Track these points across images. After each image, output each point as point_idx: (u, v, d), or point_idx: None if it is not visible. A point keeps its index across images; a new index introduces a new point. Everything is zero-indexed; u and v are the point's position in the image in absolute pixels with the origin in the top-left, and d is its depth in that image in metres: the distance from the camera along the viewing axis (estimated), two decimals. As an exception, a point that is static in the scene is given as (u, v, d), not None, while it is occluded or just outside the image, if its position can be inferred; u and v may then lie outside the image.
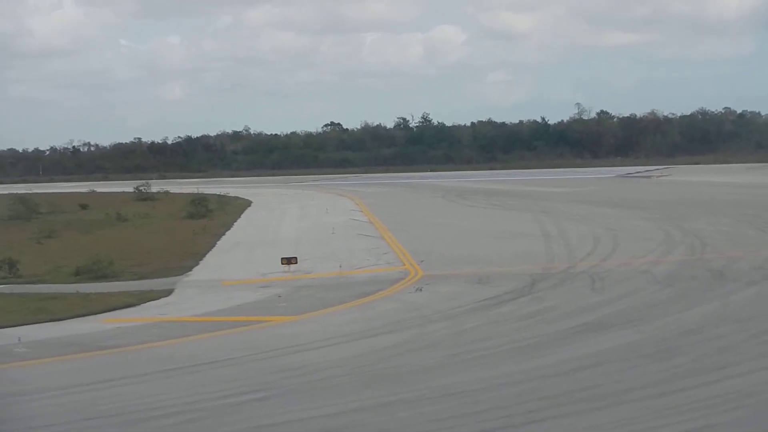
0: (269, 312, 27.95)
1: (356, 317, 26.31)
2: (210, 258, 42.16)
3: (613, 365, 18.99)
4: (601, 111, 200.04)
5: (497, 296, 28.30)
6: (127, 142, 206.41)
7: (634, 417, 15.25)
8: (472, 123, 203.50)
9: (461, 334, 23.02)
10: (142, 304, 30.22)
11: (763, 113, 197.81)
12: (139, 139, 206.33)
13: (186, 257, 41.80)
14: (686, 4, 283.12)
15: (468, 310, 26.41)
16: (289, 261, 36.37)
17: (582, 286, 29.73)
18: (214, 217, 65.86)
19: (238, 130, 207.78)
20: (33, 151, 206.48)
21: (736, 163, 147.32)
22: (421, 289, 30.40)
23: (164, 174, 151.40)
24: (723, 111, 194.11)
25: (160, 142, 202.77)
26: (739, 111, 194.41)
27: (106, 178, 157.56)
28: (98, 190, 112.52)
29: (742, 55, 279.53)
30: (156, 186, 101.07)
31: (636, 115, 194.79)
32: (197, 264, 39.76)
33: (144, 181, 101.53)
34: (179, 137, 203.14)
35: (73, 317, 28.22)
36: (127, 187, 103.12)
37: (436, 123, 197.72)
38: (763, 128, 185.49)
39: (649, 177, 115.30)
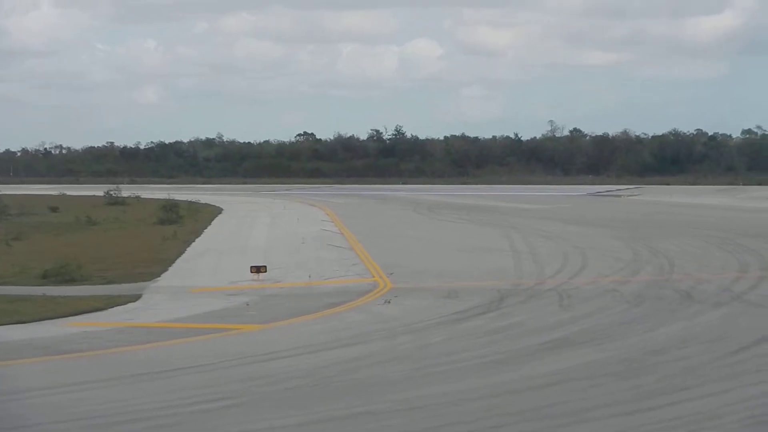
0: (237, 320, 27.94)
1: (324, 328, 26.33)
2: (179, 264, 42.09)
3: (578, 383, 19.10)
4: (574, 129, 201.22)
5: (465, 311, 28.38)
6: (100, 145, 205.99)
7: (597, 435, 15.36)
8: (445, 137, 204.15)
9: (428, 348, 23.09)
10: (110, 309, 30.14)
11: (734, 136, 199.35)
12: (112, 143, 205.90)
13: (155, 263, 41.69)
14: (663, 25, 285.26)
15: (435, 323, 26.49)
16: (258, 269, 36.36)
17: (550, 303, 29.86)
18: (184, 224, 65.69)
19: (211, 137, 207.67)
20: (4, 152, 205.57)
21: (706, 184, 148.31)
22: (389, 302, 30.46)
23: (135, 179, 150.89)
24: (695, 133, 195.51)
25: (133, 146, 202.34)
26: (710, 133, 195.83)
27: (77, 181, 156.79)
28: (69, 193, 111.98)
29: (715, 78, 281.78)
30: (127, 190, 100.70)
31: (609, 134, 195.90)
32: (166, 270, 39.66)
33: (115, 185, 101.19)
34: (152, 142, 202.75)
35: (39, 320, 28.11)
36: (98, 190, 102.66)
37: (409, 136, 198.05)
38: (733, 151, 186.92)
39: (619, 196, 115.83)
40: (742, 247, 46.15)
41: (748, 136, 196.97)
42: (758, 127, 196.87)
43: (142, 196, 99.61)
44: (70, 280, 35.77)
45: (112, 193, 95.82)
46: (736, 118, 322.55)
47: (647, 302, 29.62)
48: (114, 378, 20.33)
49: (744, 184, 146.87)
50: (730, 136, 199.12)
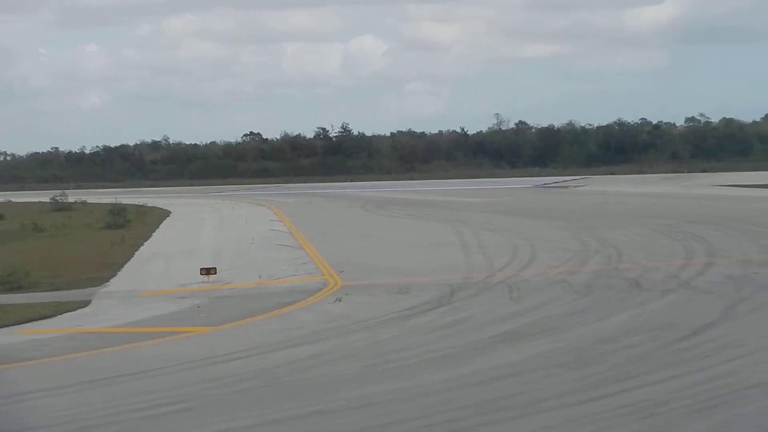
0: (188, 323, 27.82)
1: (275, 328, 26.28)
2: (128, 269, 41.82)
3: (529, 374, 19.22)
4: (520, 122, 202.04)
5: (416, 306, 28.45)
6: (44, 151, 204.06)
7: (551, 425, 15.47)
8: (392, 133, 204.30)
9: (379, 345, 23.12)
10: (59, 316, 29.88)
11: (677, 124, 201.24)
12: (57, 148, 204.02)
13: (104, 268, 41.39)
14: (604, 17, 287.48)
15: (387, 320, 26.53)
16: (208, 271, 36.20)
17: (500, 295, 30.00)
18: (132, 228, 65.27)
19: (156, 140, 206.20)
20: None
21: (651, 173, 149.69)
22: (340, 300, 30.47)
23: (81, 184, 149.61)
24: (639, 122, 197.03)
25: (78, 151, 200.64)
26: (654, 122, 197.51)
27: (22, 188, 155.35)
28: (14, 200, 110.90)
29: (657, 68, 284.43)
30: (73, 196, 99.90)
31: (554, 126, 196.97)
32: (115, 275, 39.39)
33: (61, 191, 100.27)
34: (97, 147, 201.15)
35: (-13, 329, 27.79)
36: (43, 197, 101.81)
37: (356, 133, 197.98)
38: (677, 139, 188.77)
39: (566, 187, 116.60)
40: (688, 234, 46.64)
41: (691, 124, 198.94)
42: (701, 114, 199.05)
43: (88, 201, 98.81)
44: (18, 288, 35.41)
45: (58, 198, 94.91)
46: (679, 107, 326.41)
47: (596, 292, 29.85)
48: (64, 386, 20.16)
49: (688, 172, 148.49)
50: (673, 124, 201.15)
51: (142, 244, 52.79)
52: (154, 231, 62.36)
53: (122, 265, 42.54)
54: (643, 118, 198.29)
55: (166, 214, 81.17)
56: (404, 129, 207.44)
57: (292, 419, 16.60)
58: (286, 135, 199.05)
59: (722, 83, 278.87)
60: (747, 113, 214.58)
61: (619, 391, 17.43)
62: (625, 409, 16.20)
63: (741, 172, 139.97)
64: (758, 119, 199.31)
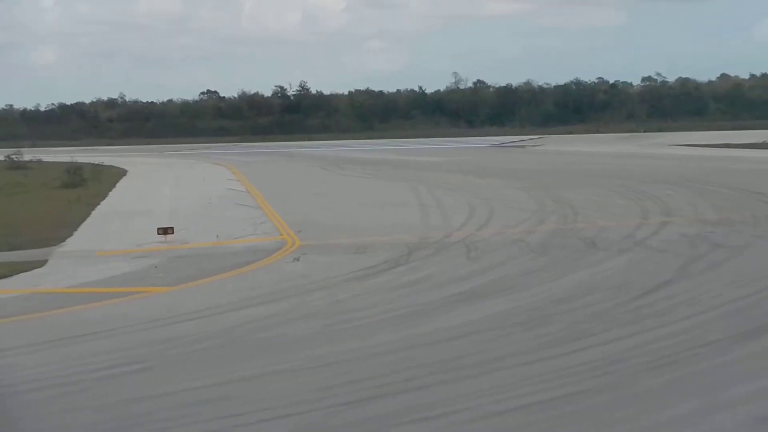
0: (145, 283, 27.71)
1: (233, 287, 26.25)
2: (85, 228, 41.54)
3: (486, 333, 19.34)
4: (478, 80, 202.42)
5: (374, 266, 28.50)
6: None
7: (506, 384, 15.60)
8: (350, 92, 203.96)
9: (338, 304, 23.16)
10: (14, 276, 29.61)
11: (634, 84, 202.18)
12: (11, 105, 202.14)
13: (60, 227, 41.08)
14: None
15: (345, 279, 26.57)
16: (165, 231, 36.04)
17: (457, 255, 30.11)
18: (88, 187, 64.81)
19: (113, 98, 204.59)
20: None
21: (608, 132, 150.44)
22: (298, 259, 30.46)
23: (37, 142, 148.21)
24: (596, 81, 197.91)
25: (33, 109, 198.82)
26: (611, 81, 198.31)
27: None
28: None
29: (616, 26, 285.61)
30: (29, 154, 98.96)
31: (512, 85, 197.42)
32: (71, 234, 39.11)
33: (16, 149, 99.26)
34: (53, 104, 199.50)
35: (-58, 290, 27.58)
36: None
37: (314, 92, 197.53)
38: (634, 98, 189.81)
39: (523, 147, 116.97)
40: (644, 194, 47.00)
41: (648, 83, 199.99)
42: (657, 74, 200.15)
43: (44, 160, 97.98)
44: (-28, 248, 35.10)
45: (13, 157, 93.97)
46: (636, 66, 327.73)
47: (552, 251, 30.03)
48: (19, 346, 20.05)
49: (645, 132, 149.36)
50: (630, 84, 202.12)
51: (99, 204, 52.46)
52: (110, 190, 61.99)
53: (79, 225, 42.25)
54: (600, 77, 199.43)
55: (122, 173, 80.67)
56: (362, 87, 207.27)
57: (249, 379, 16.63)
58: (244, 93, 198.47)
59: (679, 42, 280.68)
60: (703, 73, 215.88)
61: (576, 349, 17.59)
62: (582, 366, 16.37)
63: (696, 131, 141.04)
64: (714, 79, 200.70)
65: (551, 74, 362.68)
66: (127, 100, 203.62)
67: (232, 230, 38.54)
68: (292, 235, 35.96)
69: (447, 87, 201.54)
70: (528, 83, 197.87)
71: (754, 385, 15.36)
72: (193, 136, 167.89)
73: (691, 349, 17.40)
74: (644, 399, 14.66)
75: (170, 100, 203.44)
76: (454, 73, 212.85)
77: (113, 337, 20.66)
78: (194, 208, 48.37)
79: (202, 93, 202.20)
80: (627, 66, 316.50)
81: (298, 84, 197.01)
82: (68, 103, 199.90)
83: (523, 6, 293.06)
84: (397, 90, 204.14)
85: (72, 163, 75.65)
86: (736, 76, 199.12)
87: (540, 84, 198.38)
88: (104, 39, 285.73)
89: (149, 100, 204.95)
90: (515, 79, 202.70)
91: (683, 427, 13.64)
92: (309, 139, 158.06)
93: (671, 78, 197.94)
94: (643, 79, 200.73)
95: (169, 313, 22.87)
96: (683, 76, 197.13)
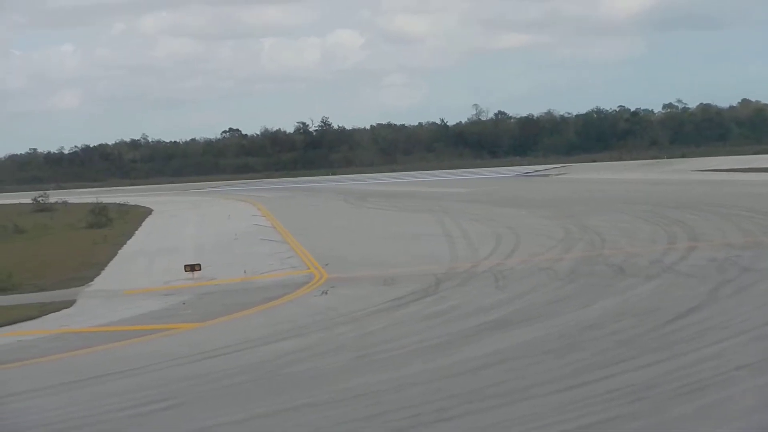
0: (174, 320, 27.77)
1: (262, 322, 26.27)
2: (112, 267, 41.71)
3: (517, 362, 19.27)
4: (499, 112, 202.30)
5: (402, 297, 28.47)
6: (23, 153, 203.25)
7: (539, 412, 15.52)
8: (372, 126, 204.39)
9: (367, 336, 23.13)
10: (44, 317, 29.77)
11: (655, 111, 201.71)
12: (35, 149, 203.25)
13: (87, 267, 41.28)
14: (579, 5, 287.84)
15: (374, 311, 26.54)
16: (192, 268, 36.12)
17: (485, 284, 30.04)
18: (114, 226, 65.13)
19: (136, 139, 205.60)
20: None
21: (631, 160, 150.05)
22: (326, 293, 30.46)
23: (62, 184, 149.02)
24: (617, 110, 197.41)
25: (57, 152, 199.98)
26: (632, 109, 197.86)
27: (2, 190, 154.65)
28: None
29: (634, 56, 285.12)
30: (54, 196, 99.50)
31: (533, 116, 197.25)
32: (99, 274, 39.29)
33: (42, 191, 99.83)
34: (76, 147, 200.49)
35: (-28, 332, 27.69)
36: (24, 198, 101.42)
37: (335, 127, 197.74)
38: (656, 125, 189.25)
39: (547, 176, 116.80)
40: (670, 219, 46.80)
41: (669, 110, 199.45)
42: (678, 100, 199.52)
43: (69, 201, 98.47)
44: (1, 290, 35.26)
45: (39, 199, 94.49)
46: (656, 94, 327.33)
47: (581, 278, 29.92)
48: (50, 386, 20.12)
49: (668, 158, 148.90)
50: (651, 111, 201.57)
51: (125, 243, 52.67)
52: (136, 229, 62.22)
53: (106, 264, 42.44)
54: (621, 106, 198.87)
55: (147, 212, 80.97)
56: (384, 122, 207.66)
57: (280, 413, 16.61)
58: (266, 130, 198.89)
59: (699, 69, 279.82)
60: (724, 99, 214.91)
61: (606, 376, 17.50)
62: (613, 393, 16.28)
63: (719, 156, 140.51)
64: (735, 104, 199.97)
65: (572, 104, 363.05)
66: (150, 140, 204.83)
67: (259, 265, 38.60)
68: (320, 269, 35.98)
69: (468, 119, 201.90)
70: (549, 113, 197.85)
71: (788, 407, 15.23)
72: (216, 174, 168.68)
73: (723, 374, 17.27)
74: (677, 425, 14.56)
75: (193, 140, 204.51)
76: (475, 105, 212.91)
77: (143, 375, 20.69)
78: (220, 245, 48.48)
79: (224, 131, 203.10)
80: (647, 94, 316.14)
81: (319, 120, 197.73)
82: (92, 145, 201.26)
83: (539, 38, 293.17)
84: (419, 123, 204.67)
85: (97, 203, 76.06)
86: (758, 101, 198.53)
87: (561, 113, 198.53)
88: (125, 82, 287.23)
89: (172, 140, 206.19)
90: (536, 110, 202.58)
91: (718, 451, 13.52)
92: (332, 174, 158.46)
93: (692, 104, 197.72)
94: (665, 106, 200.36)
95: (198, 349, 22.89)
96: (704, 102, 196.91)
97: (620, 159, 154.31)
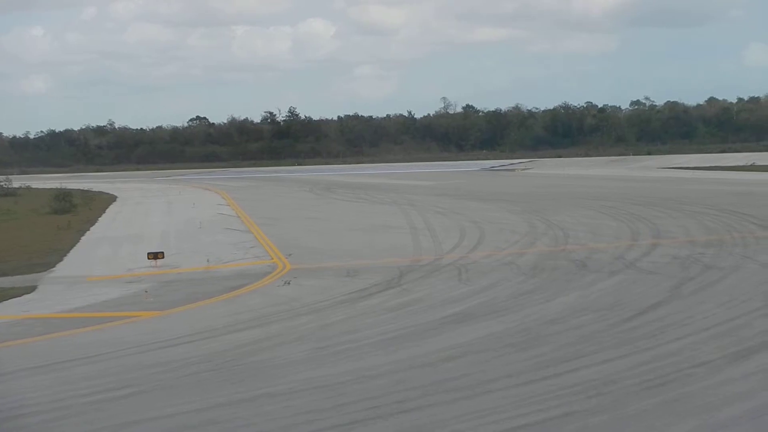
0: (135, 307, 27.62)
1: (224, 311, 26.17)
2: (74, 254, 41.45)
3: (478, 355, 19.28)
4: (467, 105, 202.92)
5: (365, 289, 28.46)
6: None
7: (499, 405, 15.53)
8: (339, 117, 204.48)
9: (329, 327, 23.09)
10: (4, 302, 29.53)
11: (623, 108, 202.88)
12: (0, 133, 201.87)
13: (49, 253, 41.01)
14: (552, 0, 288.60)
15: (336, 302, 26.51)
16: (155, 256, 35.97)
17: (449, 277, 30.07)
18: (78, 213, 64.74)
19: (102, 125, 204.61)
20: None
21: (597, 156, 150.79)
22: (289, 283, 30.40)
23: (26, 169, 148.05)
24: (585, 106, 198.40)
25: (22, 136, 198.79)
26: (600, 105, 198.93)
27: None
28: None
29: (606, 52, 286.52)
30: (18, 181, 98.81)
31: (501, 110, 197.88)
32: (61, 260, 39.03)
33: (5, 176, 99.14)
34: (42, 131, 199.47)
35: (-69, 316, 27.46)
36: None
37: (303, 117, 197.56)
38: (623, 122, 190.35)
39: (513, 170, 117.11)
40: (634, 215, 47.04)
41: (636, 107, 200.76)
42: (646, 98, 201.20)
43: (33, 186, 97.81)
44: (-38, 274, 34.99)
45: (2, 184, 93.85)
46: (624, 91, 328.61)
47: (544, 273, 30.02)
48: (10, 372, 19.95)
49: (634, 154, 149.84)
50: (619, 108, 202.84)
51: (89, 229, 52.37)
52: (100, 216, 61.90)
53: (68, 251, 42.18)
54: (589, 102, 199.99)
55: (112, 198, 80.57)
56: (351, 113, 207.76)
57: (240, 402, 16.54)
58: (234, 119, 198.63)
59: (667, 67, 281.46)
60: (691, 97, 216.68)
61: (568, 370, 17.55)
62: (573, 388, 16.31)
63: (685, 154, 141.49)
64: (702, 102, 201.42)
65: (540, 99, 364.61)
66: (117, 126, 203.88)
67: (223, 254, 38.48)
68: (283, 259, 35.90)
69: (436, 112, 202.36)
70: (517, 108, 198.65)
71: (746, 405, 15.32)
72: (182, 162, 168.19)
73: (683, 371, 17.36)
74: (637, 420, 14.61)
75: (159, 127, 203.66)
76: (443, 98, 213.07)
77: (104, 362, 20.56)
78: (184, 233, 48.29)
79: (192, 119, 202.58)
80: (615, 90, 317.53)
81: (287, 110, 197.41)
82: (57, 130, 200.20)
83: (513, 33, 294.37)
84: (387, 115, 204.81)
85: (61, 189, 75.54)
86: (725, 100, 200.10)
87: (529, 108, 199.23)
88: (93, 68, 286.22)
89: (139, 127, 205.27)
90: (504, 104, 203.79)
91: (676, 447, 13.58)
92: (298, 164, 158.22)
93: (660, 102, 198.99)
94: (632, 103, 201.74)
95: (160, 338, 22.78)
96: (672, 100, 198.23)
97: (587, 155, 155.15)
